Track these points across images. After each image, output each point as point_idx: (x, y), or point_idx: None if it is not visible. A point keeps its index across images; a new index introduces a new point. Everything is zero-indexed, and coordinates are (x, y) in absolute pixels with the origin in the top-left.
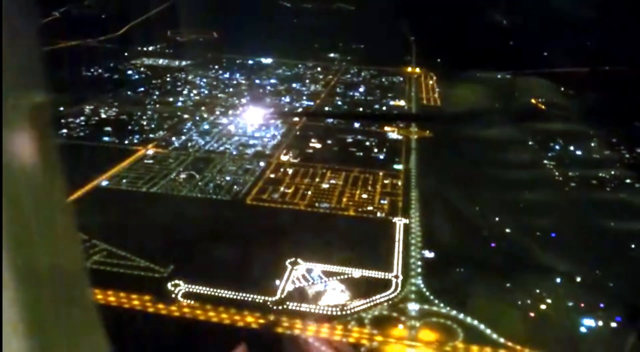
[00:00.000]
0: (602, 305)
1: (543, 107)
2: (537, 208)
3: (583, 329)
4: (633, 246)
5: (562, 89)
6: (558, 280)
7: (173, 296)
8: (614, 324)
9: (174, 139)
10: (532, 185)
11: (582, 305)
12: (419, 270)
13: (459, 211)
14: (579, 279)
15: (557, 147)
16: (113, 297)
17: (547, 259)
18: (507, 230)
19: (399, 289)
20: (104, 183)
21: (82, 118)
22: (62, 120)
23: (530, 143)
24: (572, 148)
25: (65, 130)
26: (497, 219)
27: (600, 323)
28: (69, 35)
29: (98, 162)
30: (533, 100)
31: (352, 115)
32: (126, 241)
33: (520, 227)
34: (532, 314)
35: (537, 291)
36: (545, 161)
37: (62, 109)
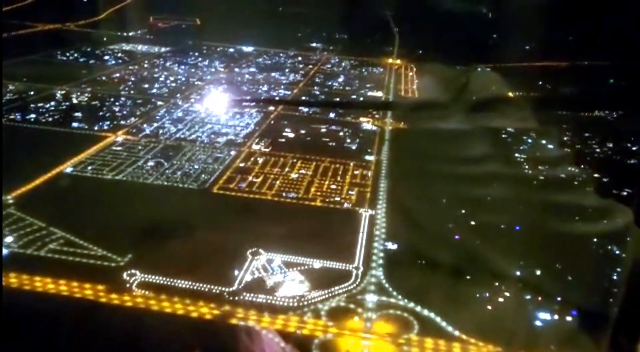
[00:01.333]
0: (558, 298)
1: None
2: (500, 203)
3: (538, 323)
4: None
5: (540, 83)
6: (517, 273)
7: (128, 285)
8: (569, 318)
9: (145, 126)
10: (495, 180)
11: (539, 298)
12: (380, 261)
13: (426, 203)
14: (538, 273)
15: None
16: (65, 286)
17: (509, 253)
18: (472, 223)
19: (359, 280)
20: (69, 170)
21: (52, 103)
22: (32, 105)
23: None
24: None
25: (34, 115)
26: (463, 211)
27: (556, 317)
28: (49, 18)
29: (64, 148)
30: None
31: (317, 104)
32: (85, 229)
33: (485, 221)
34: (489, 307)
35: (497, 284)
36: (513, 155)
37: (32, 92)
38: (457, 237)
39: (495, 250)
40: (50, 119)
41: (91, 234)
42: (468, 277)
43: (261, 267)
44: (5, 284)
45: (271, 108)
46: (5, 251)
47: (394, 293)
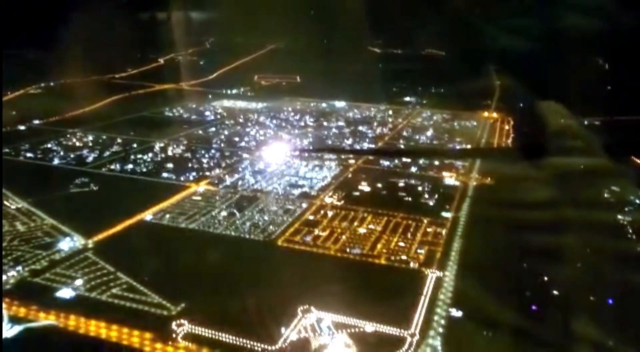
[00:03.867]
0: None
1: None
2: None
3: None
4: None
5: None
6: None
7: (174, 335)
8: None
9: (227, 177)
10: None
11: None
12: (440, 330)
13: (502, 267)
14: None
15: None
16: (116, 332)
17: (597, 330)
18: (554, 292)
19: (412, 349)
20: (148, 217)
21: (150, 155)
22: (132, 157)
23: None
24: None
25: (131, 166)
26: (545, 278)
27: None
28: (165, 78)
29: (150, 197)
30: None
31: (386, 152)
32: (148, 276)
33: (571, 291)
34: None
35: None
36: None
37: (134, 145)
38: (533, 307)
39: (576, 326)
40: (144, 170)
41: (152, 281)
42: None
43: (309, 326)
44: (62, 325)
45: (352, 161)
46: (72, 293)
47: None
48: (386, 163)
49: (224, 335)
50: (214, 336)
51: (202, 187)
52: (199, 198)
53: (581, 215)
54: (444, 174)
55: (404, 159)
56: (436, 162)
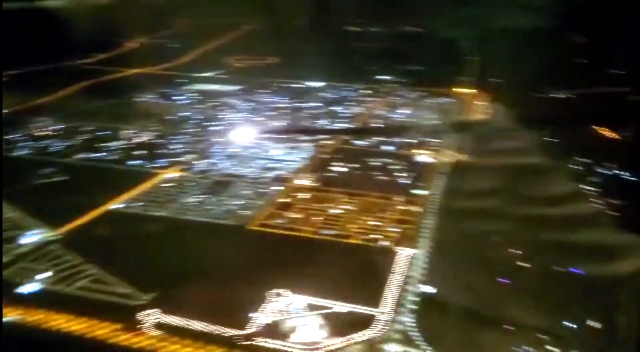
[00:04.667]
0: None
1: None
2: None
3: None
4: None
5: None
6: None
7: (144, 325)
8: None
9: (199, 162)
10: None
11: None
12: (412, 307)
13: (475, 244)
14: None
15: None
16: (84, 324)
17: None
18: (526, 265)
19: (384, 327)
20: (117, 206)
21: (118, 142)
22: (99, 145)
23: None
24: None
25: (97, 154)
26: (519, 252)
27: None
28: (135, 63)
29: (118, 185)
30: None
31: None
32: (117, 266)
33: (543, 265)
34: None
35: (545, 337)
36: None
37: (101, 133)
38: (504, 281)
39: (545, 299)
40: (113, 158)
41: (121, 271)
42: (512, 328)
43: (280, 309)
44: (28, 320)
45: (326, 142)
46: (38, 287)
47: (420, 344)
48: (361, 142)
49: (194, 322)
50: (184, 324)
51: (173, 173)
52: (170, 185)
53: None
54: (419, 151)
55: (379, 138)
56: (411, 140)
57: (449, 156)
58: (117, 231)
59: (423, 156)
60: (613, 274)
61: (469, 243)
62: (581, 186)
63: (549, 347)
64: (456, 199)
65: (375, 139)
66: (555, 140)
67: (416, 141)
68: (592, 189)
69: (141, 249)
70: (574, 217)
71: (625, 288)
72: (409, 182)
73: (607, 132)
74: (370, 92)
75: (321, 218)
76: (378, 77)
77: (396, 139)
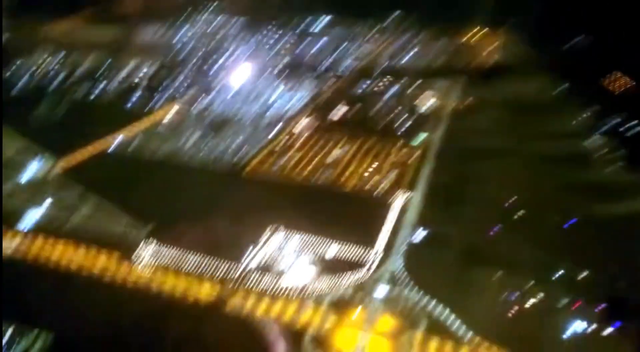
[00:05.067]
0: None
1: None
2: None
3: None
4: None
5: None
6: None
7: (141, 256)
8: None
9: (200, 99)
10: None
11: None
12: (403, 249)
13: (473, 189)
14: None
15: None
16: (82, 255)
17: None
18: (520, 213)
19: (374, 268)
20: (117, 142)
21: (120, 76)
22: (101, 78)
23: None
24: None
25: (100, 88)
26: (514, 198)
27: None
28: None
29: (117, 120)
30: None
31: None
32: (114, 200)
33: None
34: (514, 311)
35: (531, 283)
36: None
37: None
38: (496, 228)
39: (537, 248)
40: (111, 92)
41: (120, 204)
42: (499, 273)
43: (275, 248)
44: (29, 247)
45: (330, 82)
46: (39, 215)
47: (409, 286)
48: (365, 84)
49: (190, 257)
50: (180, 259)
51: (172, 110)
52: (168, 122)
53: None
54: (424, 95)
55: (384, 79)
56: (417, 83)
57: (453, 99)
58: (115, 166)
59: (427, 99)
60: (620, 214)
61: (466, 186)
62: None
63: (538, 292)
64: (456, 142)
65: (379, 80)
66: (566, 84)
67: (421, 83)
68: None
69: (139, 185)
70: (580, 156)
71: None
72: (411, 125)
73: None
74: (378, 28)
75: (319, 160)
76: (387, 12)
77: (401, 80)
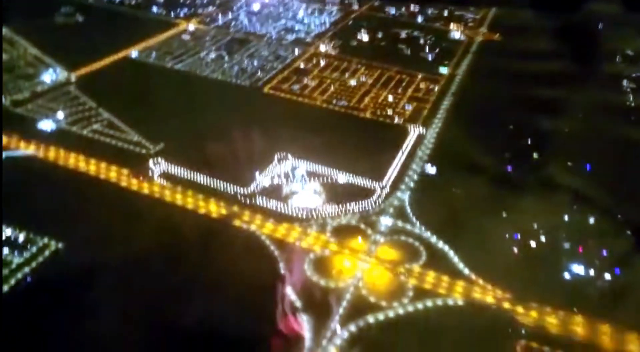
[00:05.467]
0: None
1: None
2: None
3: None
4: None
5: None
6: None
7: (151, 173)
8: None
9: (220, 16)
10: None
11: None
12: (411, 184)
13: (488, 127)
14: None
15: None
16: (94, 166)
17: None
18: (534, 155)
19: (380, 200)
20: (134, 54)
21: None
22: None
23: None
24: None
25: None
26: (528, 142)
27: None
28: None
29: (137, 33)
30: None
31: None
32: (130, 114)
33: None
34: (516, 251)
35: (535, 225)
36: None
37: None
38: (509, 168)
39: (545, 190)
40: (133, 2)
41: (134, 119)
42: (504, 214)
43: (283, 173)
44: (43, 156)
45: (355, 7)
46: (53, 126)
47: (413, 219)
48: (392, 11)
49: (198, 176)
50: (189, 176)
51: (193, 25)
52: (188, 37)
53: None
54: (451, 26)
55: (412, 7)
56: (446, 13)
57: (482, 34)
58: (132, 79)
59: (454, 31)
60: None
61: (483, 125)
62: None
63: (543, 234)
64: (479, 79)
65: (407, 8)
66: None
67: (450, 14)
68: None
69: (154, 99)
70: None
71: None
72: (434, 58)
73: None
74: None
75: (337, 87)
76: None
77: (429, 10)
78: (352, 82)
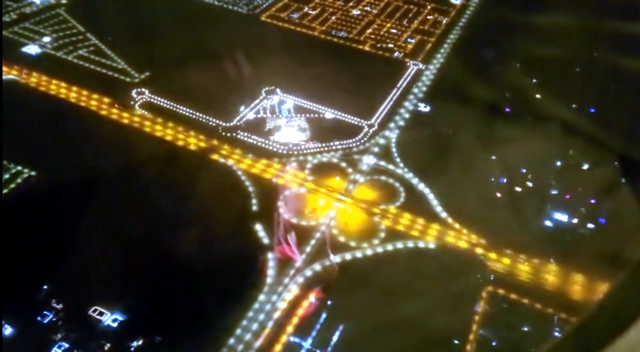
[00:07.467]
0: None
1: None
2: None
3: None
4: None
5: None
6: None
7: (133, 102)
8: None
9: None
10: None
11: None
12: (401, 123)
13: (493, 62)
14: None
15: None
16: (75, 93)
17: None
18: (537, 96)
19: (365, 139)
20: None
21: None
22: None
23: None
24: None
25: None
26: (534, 81)
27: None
28: None
29: None
30: None
31: None
32: (117, 41)
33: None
34: (499, 196)
35: (524, 170)
36: None
37: None
38: (507, 110)
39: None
40: None
41: (120, 46)
42: (493, 157)
43: (269, 107)
44: (24, 82)
45: None
46: (38, 50)
47: (397, 160)
48: None
49: (181, 108)
50: (172, 108)
51: None
52: None
53: None
54: None
55: None
56: None
57: None
58: (124, 2)
59: None
60: None
61: (487, 62)
62: None
63: (530, 179)
64: (493, 12)
65: None
66: None
67: None
68: None
69: (143, 27)
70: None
71: None
72: None
73: None
74: None
75: (337, 17)
76: None
77: None
78: (355, 12)
